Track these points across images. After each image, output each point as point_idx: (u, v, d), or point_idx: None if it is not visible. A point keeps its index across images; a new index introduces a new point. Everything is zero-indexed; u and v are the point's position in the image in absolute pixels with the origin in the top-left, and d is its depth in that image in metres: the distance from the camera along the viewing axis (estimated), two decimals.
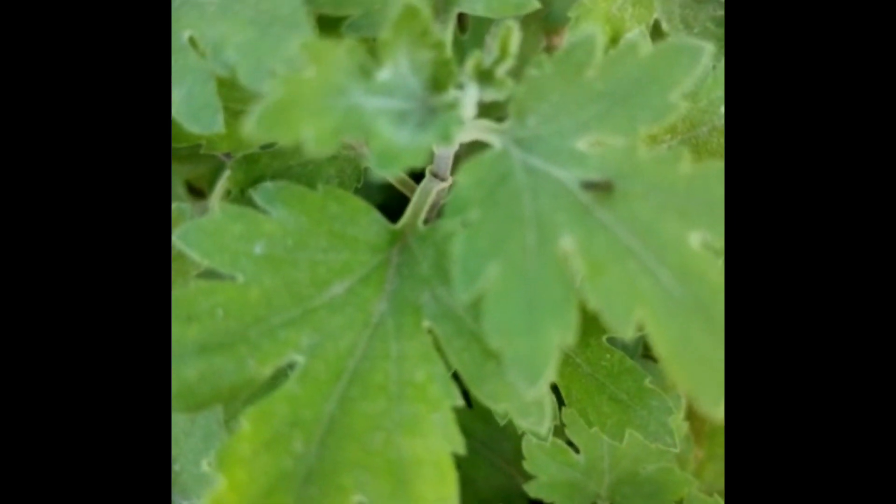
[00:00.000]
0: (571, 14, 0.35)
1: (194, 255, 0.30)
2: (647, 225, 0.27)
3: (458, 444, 0.30)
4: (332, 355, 0.31)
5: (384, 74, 0.28)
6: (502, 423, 0.43)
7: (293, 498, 0.28)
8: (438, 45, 0.28)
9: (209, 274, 0.32)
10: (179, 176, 0.58)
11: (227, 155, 0.51)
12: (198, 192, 0.61)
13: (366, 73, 0.28)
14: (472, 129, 0.31)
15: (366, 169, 0.45)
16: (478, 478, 0.54)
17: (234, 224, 0.31)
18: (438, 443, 0.29)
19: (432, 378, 0.31)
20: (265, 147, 0.43)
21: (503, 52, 0.29)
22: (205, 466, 0.34)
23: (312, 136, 0.26)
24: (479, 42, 0.49)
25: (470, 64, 0.30)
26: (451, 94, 0.30)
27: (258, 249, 0.31)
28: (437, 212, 0.41)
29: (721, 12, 0.41)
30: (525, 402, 0.30)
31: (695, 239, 0.26)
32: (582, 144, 0.29)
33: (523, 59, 0.31)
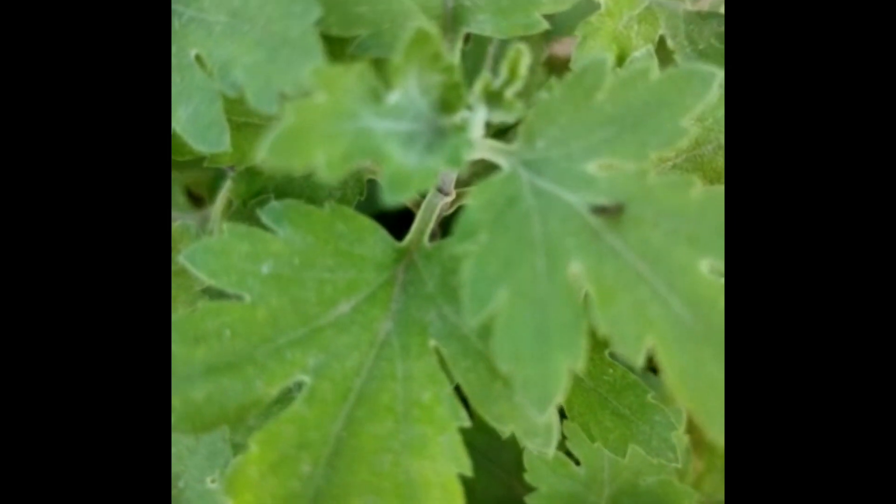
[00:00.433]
0: (578, 32, 0.35)
1: (202, 276, 0.30)
2: (658, 251, 0.27)
3: (465, 467, 0.30)
4: (338, 375, 0.31)
5: (394, 98, 0.28)
6: (504, 436, 0.43)
7: None
8: (448, 69, 0.28)
9: (213, 292, 0.32)
10: (179, 183, 0.57)
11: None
12: (197, 199, 0.61)
13: (376, 96, 0.28)
14: (481, 148, 0.31)
15: (369, 181, 0.45)
16: (478, 488, 0.54)
17: (241, 244, 0.31)
18: (446, 465, 0.29)
19: (439, 399, 0.31)
20: None
21: (512, 74, 0.29)
22: (209, 483, 0.34)
23: (324, 162, 0.25)
24: (480, 53, 0.49)
25: (479, 86, 0.30)
26: (460, 115, 0.30)
27: (265, 269, 0.31)
28: (440, 225, 0.41)
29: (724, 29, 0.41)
30: (532, 424, 0.30)
31: (705, 266, 0.26)
32: (591, 168, 0.29)
33: (528, 80, 0.31)
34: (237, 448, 0.34)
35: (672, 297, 0.26)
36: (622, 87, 0.28)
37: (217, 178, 0.56)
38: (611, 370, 0.42)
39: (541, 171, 0.29)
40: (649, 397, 0.41)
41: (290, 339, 0.31)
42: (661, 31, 0.38)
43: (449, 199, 0.39)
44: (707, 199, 0.27)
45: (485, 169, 0.32)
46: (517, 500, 0.51)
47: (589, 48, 0.35)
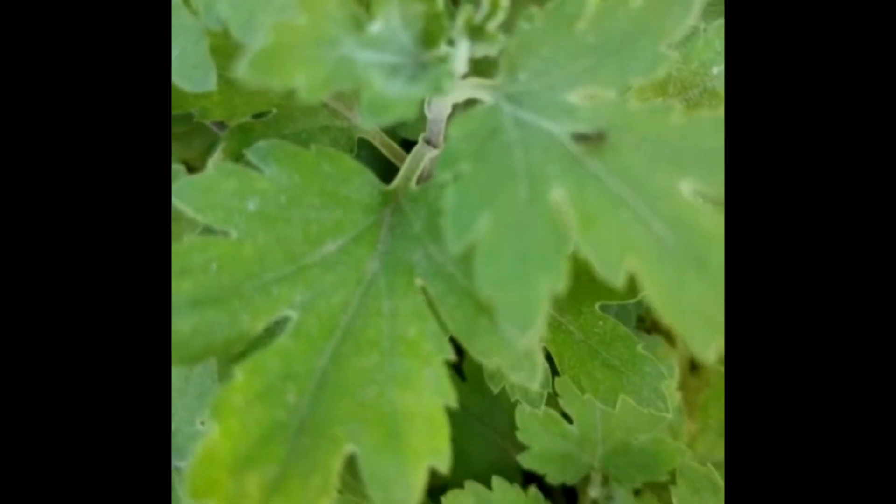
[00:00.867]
0: None
1: (188, 211, 0.30)
2: (639, 175, 0.27)
3: (451, 398, 0.30)
4: (324, 312, 0.31)
5: (375, 27, 0.28)
6: (496, 390, 0.44)
7: (287, 447, 0.28)
8: None
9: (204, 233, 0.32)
10: (176, 154, 0.58)
11: (221, 127, 0.51)
12: (193, 171, 0.61)
13: (357, 24, 0.28)
14: (463, 86, 0.31)
15: (359, 140, 0.45)
16: (472, 452, 0.54)
17: (227, 180, 0.31)
18: (431, 397, 0.29)
19: (424, 334, 0.31)
20: (258, 116, 0.43)
21: (494, 7, 0.30)
22: (198, 426, 0.34)
23: (304, 84, 0.26)
24: None
25: (461, 18, 0.30)
26: (443, 49, 0.30)
27: (251, 206, 0.31)
28: (428, 179, 0.41)
29: None
30: (517, 357, 0.30)
31: (686, 187, 0.27)
32: (573, 97, 0.29)
33: (513, 18, 0.31)
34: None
35: (653, 219, 0.26)
36: (603, 15, 0.29)
37: (211, 150, 0.57)
38: (601, 322, 0.42)
39: (523, 103, 0.30)
40: (639, 348, 0.41)
41: (276, 275, 0.31)
42: None
43: (437, 151, 0.39)
44: (687, 123, 0.27)
45: None
46: (511, 463, 0.52)
47: None
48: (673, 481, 0.46)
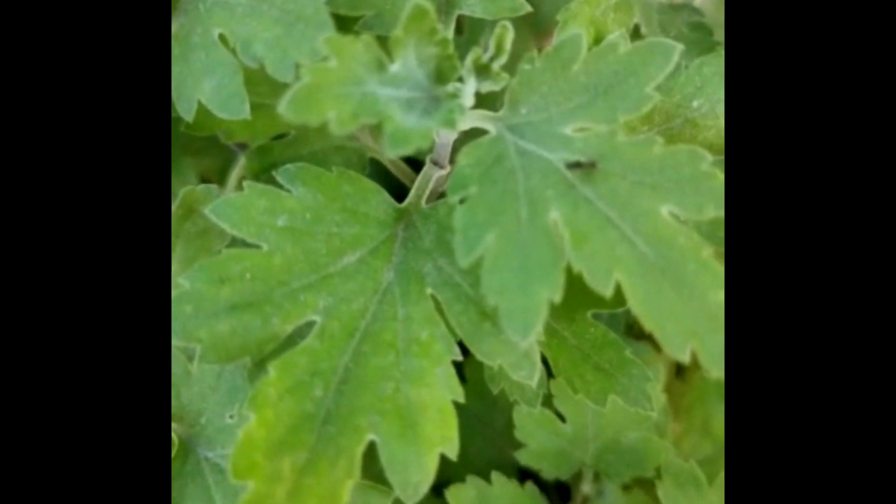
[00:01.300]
0: (559, 17, 0.39)
1: (224, 226, 0.34)
2: (625, 199, 0.31)
3: (459, 394, 0.33)
4: (345, 316, 0.35)
5: (395, 67, 0.32)
6: (495, 391, 0.47)
7: (314, 435, 0.31)
8: (443, 42, 0.32)
9: (235, 245, 0.36)
10: (193, 169, 0.61)
11: (239, 146, 0.55)
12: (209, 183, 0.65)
13: (380, 65, 0.32)
14: (471, 117, 0.35)
15: (370, 159, 0.49)
16: (471, 451, 0.57)
17: (259, 199, 0.35)
18: (441, 392, 0.33)
19: (435, 337, 0.34)
20: (277, 138, 0.47)
21: (499, 49, 0.34)
22: (227, 419, 0.38)
23: (335, 119, 0.30)
24: (474, 43, 0.53)
25: (470, 59, 0.34)
26: (453, 85, 0.34)
27: (280, 222, 0.35)
28: (436, 198, 0.45)
29: (696, 18, 0.46)
30: (518, 357, 0.34)
31: (665, 210, 0.31)
32: (568, 130, 0.33)
33: (515, 59, 0.35)
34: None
35: (637, 238, 0.30)
36: (595, 59, 0.33)
37: (226, 165, 0.60)
38: (592, 329, 0.46)
39: (524, 133, 0.33)
40: (627, 352, 0.45)
41: (302, 283, 0.35)
42: (635, 20, 0.43)
43: (444, 172, 0.43)
44: (668, 154, 0.31)
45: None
46: (509, 461, 0.55)
47: (568, 31, 0.39)
48: (659, 477, 0.50)
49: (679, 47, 0.32)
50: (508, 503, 0.50)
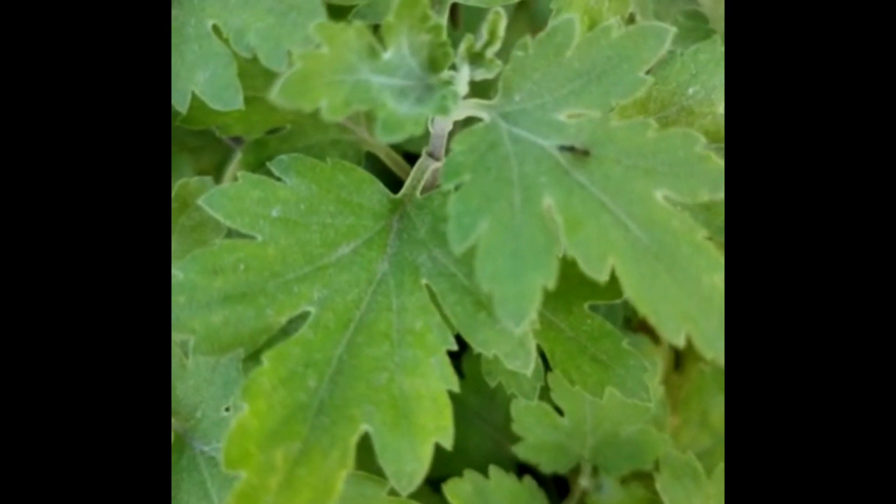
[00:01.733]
0: (553, 5, 0.39)
1: (218, 217, 0.34)
2: (619, 184, 0.31)
3: (454, 383, 0.33)
4: (340, 307, 0.34)
5: (387, 55, 0.32)
6: (493, 384, 0.47)
7: (308, 426, 0.31)
8: (435, 29, 0.32)
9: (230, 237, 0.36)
10: (190, 165, 0.61)
11: (235, 141, 0.55)
12: None
13: (372, 53, 0.31)
14: (464, 106, 0.35)
15: (367, 154, 0.49)
16: (470, 445, 0.57)
17: (253, 190, 0.35)
18: (436, 381, 0.33)
19: (429, 327, 0.34)
20: (273, 132, 0.47)
21: (492, 36, 0.33)
22: (223, 413, 0.37)
23: (327, 106, 0.29)
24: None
25: (463, 47, 0.34)
26: (447, 73, 0.34)
27: (274, 213, 0.35)
28: (431, 188, 0.44)
29: (690, 7, 0.46)
30: (513, 346, 0.34)
31: (660, 195, 0.30)
32: (562, 116, 0.33)
33: (510, 50, 0.35)
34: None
35: (630, 222, 0.30)
36: (588, 44, 0.32)
37: (222, 162, 0.60)
38: (589, 320, 0.46)
39: (518, 121, 0.33)
40: (624, 343, 0.45)
41: (297, 274, 0.34)
42: (630, 8, 0.42)
43: (439, 164, 0.43)
44: (661, 138, 0.31)
45: None
46: (507, 455, 0.55)
47: (562, 17, 0.39)
48: (657, 470, 0.50)
49: (672, 30, 0.32)
50: (506, 497, 0.50)
